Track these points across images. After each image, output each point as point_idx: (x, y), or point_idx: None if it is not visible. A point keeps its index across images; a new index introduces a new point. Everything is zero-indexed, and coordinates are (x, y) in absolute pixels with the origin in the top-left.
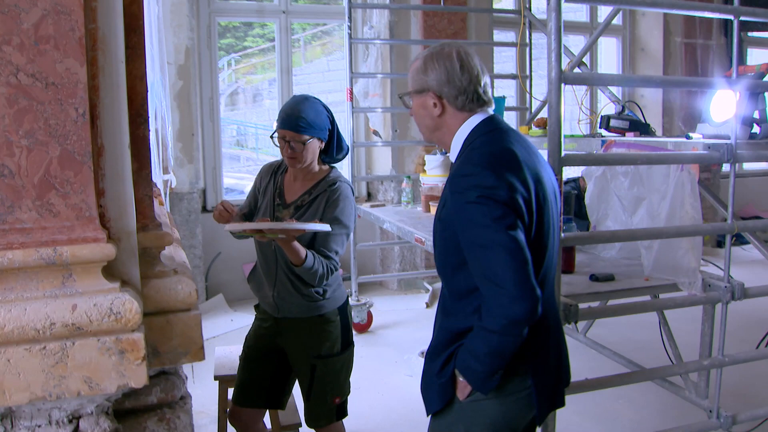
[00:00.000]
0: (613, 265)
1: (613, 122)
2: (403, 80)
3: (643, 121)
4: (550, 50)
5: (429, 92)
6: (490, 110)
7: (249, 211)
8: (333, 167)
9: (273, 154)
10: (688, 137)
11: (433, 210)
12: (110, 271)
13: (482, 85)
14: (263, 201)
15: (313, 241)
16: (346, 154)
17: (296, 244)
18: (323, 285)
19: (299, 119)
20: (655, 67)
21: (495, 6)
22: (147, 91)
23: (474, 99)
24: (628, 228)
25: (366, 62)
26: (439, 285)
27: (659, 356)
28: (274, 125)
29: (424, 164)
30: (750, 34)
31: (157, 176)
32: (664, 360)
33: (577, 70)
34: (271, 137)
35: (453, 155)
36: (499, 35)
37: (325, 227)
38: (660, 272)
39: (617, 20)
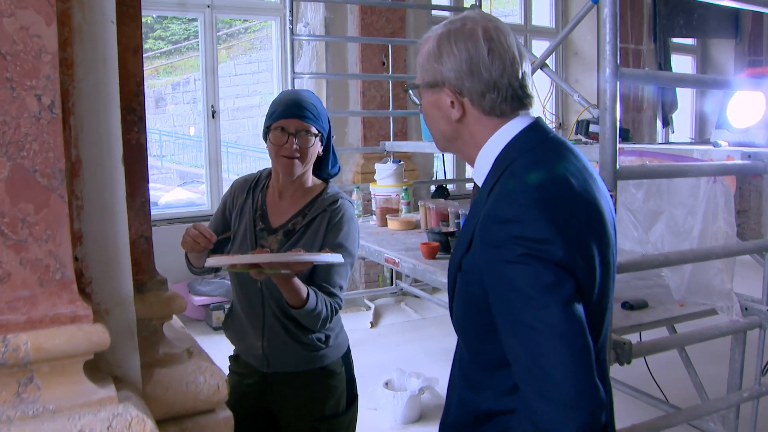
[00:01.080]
0: (631, 287)
1: (592, 127)
2: (340, 84)
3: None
4: (603, 42)
5: (444, 87)
6: (533, 112)
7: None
8: (329, 182)
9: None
10: (716, 145)
11: (392, 224)
12: (95, 363)
13: (520, 76)
14: (239, 226)
15: (312, 274)
16: (338, 172)
17: (297, 280)
18: (325, 330)
19: (307, 105)
20: (588, 72)
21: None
22: (143, 73)
23: (509, 97)
24: (642, 244)
25: (298, 62)
26: (382, 302)
27: (678, 389)
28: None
29: (364, 173)
30: (673, 40)
31: None
32: (680, 392)
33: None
34: (265, 133)
35: (479, 176)
36: None
37: (338, 258)
38: (694, 296)
39: (551, 23)
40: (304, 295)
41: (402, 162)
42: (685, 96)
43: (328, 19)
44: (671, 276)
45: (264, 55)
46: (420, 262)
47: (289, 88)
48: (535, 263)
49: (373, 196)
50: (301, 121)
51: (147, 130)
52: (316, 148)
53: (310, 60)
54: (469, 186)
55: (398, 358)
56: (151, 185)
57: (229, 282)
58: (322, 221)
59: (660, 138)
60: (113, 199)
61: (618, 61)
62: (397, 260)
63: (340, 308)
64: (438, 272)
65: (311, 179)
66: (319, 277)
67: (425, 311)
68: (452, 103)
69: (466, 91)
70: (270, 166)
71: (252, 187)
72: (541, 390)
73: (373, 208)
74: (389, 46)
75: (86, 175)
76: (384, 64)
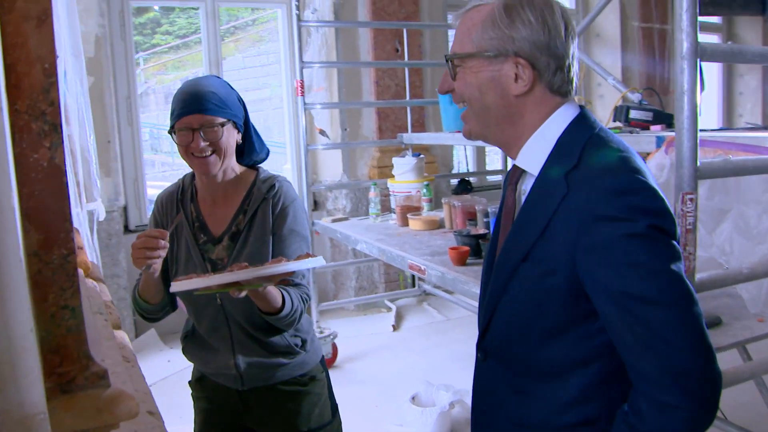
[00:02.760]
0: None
1: (633, 113)
2: (352, 73)
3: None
4: (680, 15)
5: (512, 57)
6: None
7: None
8: (259, 167)
9: None
10: None
11: (414, 224)
12: None
13: (577, 62)
14: (179, 245)
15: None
16: (268, 155)
17: (272, 288)
18: (298, 332)
19: (208, 96)
20: (612, 53)
21: None
22: (55, 58)
23: (570, 80)
24: (706, 247)
25: (307, 52)
26: (404, 303)
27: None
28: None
29: (380, 167)
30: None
31: (76, 207)
32: (744, 412)
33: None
34: (171, 133)
35: (533, 159)
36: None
37: (319, 261)
38: None
39: (571, 4)
40: (280, 300)
41: (422, 155)
42: (711, 77)
43: (337, 5)
44: (744, 285)
45: (273, 46)
46: (449, 270)
47: (297, 79)
48: (660, 237)
49: (391, 193)
50: (203, 115)
51: (62, 135)
52: (230, 138)
53: (319, 49)
54: (493, 178)
55: (424, 365)
56: (162, 183)
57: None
58: (265, 211)
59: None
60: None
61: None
62: (423, 267)
63: (310, 298)
64: (471, 282)
65: (237, 170)
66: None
67: (449, 312)
68: (517, 76)
69: (540, 65)
70: (190, 172)
71: (178, 199)
72: (667, 366)
73: (392, 206)
74: (403, 32)
75: None
76: (398, 50)
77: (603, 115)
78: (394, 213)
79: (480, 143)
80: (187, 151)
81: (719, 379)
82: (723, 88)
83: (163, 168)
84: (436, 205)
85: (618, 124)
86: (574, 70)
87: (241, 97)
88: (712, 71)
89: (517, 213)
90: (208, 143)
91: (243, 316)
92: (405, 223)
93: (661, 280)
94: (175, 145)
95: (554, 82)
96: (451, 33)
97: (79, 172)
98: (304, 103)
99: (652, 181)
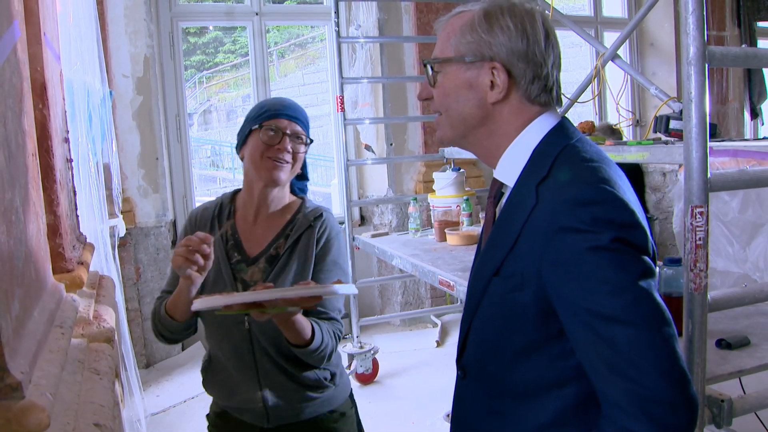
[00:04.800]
0: (727, 317)
1: (673, 124)
2: (398, 88)
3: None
4: (685, 18)
5: (489, 63)
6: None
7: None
8: (304, 196)
9: None
10: None
11: (451, 239)
12: None
13: (559, 73)
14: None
15: None
16: (307, 191)
17: (301, 316)
18: (329, 366)
19: (302, 111)
20: (667, 63)
21: None
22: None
23: (551, 90)
24: (739, 263)
25: (353, 68)
26: (450, 318)
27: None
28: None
29: (425, 182)
30: (759, 24)
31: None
32: None
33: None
34: (245, 137)
35: (510, 170)
36: None
37: (352, 289)
38: None
39: (623, 13)
40: (309, 332)
41: (462, 170)
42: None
43: (381, 21)
44: None
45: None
46: None
47: (338, 95)
48: (627, 250)
49: (431, 208)
50: (296, 124)
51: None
52: (304, 157)
53: (364, 64)
54: None
55: None
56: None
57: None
58: (309, 239)
59: (748, 133)
60: None
61: (705, 39)
62: (452, 283)
63: (342, 334)
64: None
65: (288, 195)
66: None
67: None
68: (493, 83)
69: (516, 72)
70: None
71: (214, 216)
72: (633, 391)
73: (432, 221)
74: None
75: None
76: None
77: None
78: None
79: None
80: (267, 152)
81: (693, 406)
82: None
83: (224, 183)
84: (477, 220)
85: (659, 134)
86: (553, 79)
87: None
88: None
89: (492, 228)
90: (291, 152)
91: (271, 343)
92: (443, 238)
93: (626, 297)
94: (241, 154)
95: (531, 90)
96: None
97: (113, 188)
98: (344, 119)
99: (624, 192)
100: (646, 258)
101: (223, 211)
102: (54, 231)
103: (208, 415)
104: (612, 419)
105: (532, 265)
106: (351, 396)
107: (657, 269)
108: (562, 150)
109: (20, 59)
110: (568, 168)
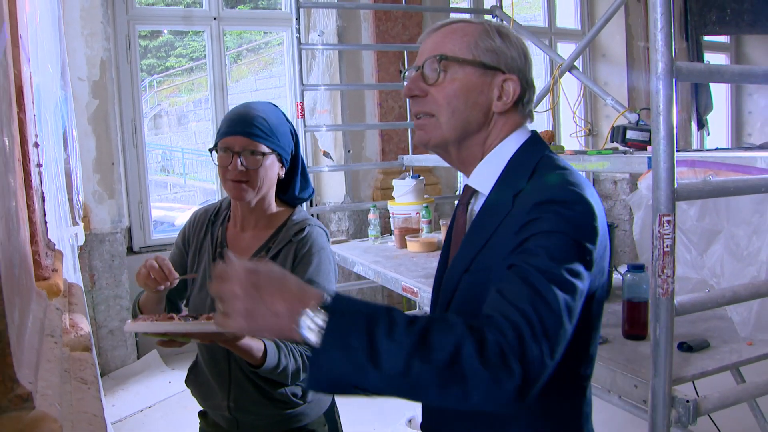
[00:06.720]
0: (687, 321)
1: (630, 134)
2: (356, 95)
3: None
4: (654, 35)
5: (503, 74)
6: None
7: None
8: (295, 207)
9: (201, 178)
10: None
11: (411, 246)
12: None
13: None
14: (198, 265)
15: None
16: (312, 194)
17: (245, 340)
18: (300, 382)
19: (256, 121)
20: (618, 73)
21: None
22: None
23: (531, 104)
24: (697, 269)
25: (311, 74)
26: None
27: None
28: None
29: (383, 189)
30: (706, 38)
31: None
32: None
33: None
34: (212, 150)
35: (485, 178)
36: None
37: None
38: (764, 332)
39: (576, 25)
40: (260, 353)
41: (422, 177)
42: (719, 96)
43: (341, 28)
44: (735, 308)
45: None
46: None
47: (298, 101)
48: (572, 243)
49: (391, 215)
50: (248, 139)
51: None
52: (271, 170)
53: (323, 71)
54: None
55: None
56: (171, 205)
57: None
58: (287, 254)
59: (695, 143)
60: None
61: (673, 54)
62: (415, 290)
63: None
64: None
65: (273, 206)
66: None
67: None
68: (500, 95)
69: (524, 85)
70: None
71: (211, 220)
72: (513, 309)
73: (392, 228)
74: (404, 54)
75: None
76: (401, 72)
77: None
78: (393, 235)
79: None
80: (225, 173)
81: (537, 361)
82: (732, 108)
83: (175, 189)
84: (436, 227)
85: (615, 144)
86: (532, 94)
87: (296, 131)
88: (721, 91)
89: (467, 231)
90: (245, 169)
91: None
92: (403, 245)
93: (555, 264)
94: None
95: (527, 105)
96: None
97: (73, 195)
98: (304, 126)
99: (591, 196)
100: (588, 265)
101: (219, 215)
102: (32, 238)
103: (199, 412)
104: (480, 318)
105: (499, 261)
106: (328, 414)
107: (619, 276)
108: (540, 160)
109: (8, 62)
110: (542, 176)
